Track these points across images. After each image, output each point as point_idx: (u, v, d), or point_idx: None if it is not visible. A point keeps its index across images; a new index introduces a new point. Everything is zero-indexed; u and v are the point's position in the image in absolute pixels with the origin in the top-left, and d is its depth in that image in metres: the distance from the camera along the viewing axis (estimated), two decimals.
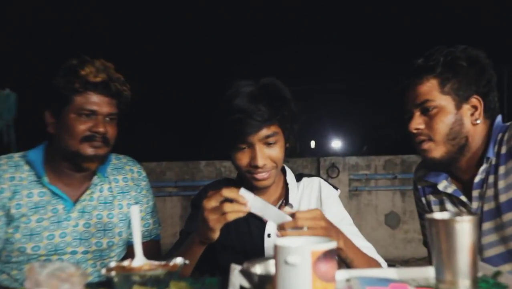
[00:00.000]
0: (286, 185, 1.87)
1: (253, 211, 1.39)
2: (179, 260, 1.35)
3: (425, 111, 1.71)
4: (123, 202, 2.02)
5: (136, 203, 2.04)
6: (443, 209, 1.84)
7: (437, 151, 1.71)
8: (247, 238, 1.79)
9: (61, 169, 1.91)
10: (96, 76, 1.85)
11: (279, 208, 1.77)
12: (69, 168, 1.91)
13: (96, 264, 1.94)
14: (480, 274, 1.22)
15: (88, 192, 1.95)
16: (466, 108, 1.70)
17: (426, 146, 1.72)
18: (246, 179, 1.75)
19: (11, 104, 6.10)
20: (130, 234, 2.02)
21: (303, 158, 6.86)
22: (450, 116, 1.68)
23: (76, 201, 1.93)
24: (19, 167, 1.91)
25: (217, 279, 1.38)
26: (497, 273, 1.22)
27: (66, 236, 1.88)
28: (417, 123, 1.71)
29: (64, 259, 1.87)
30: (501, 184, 1.67)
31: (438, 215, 1.16)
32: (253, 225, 1.79)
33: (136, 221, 1.42)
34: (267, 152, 1.67)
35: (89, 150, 1.85)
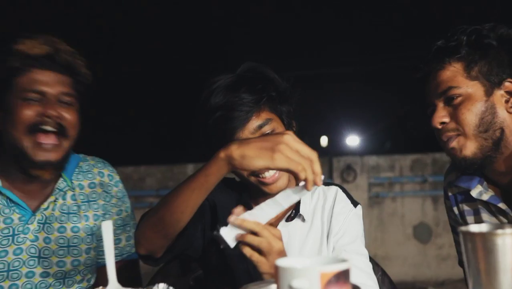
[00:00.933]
0: None
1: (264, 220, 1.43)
2: (161, 287, 1.35)
3: (450, 101, 1.70)
4: (89, 212, 1.99)
5: (104, 214, 2.01)
6: (478, 220, 1.83)
7: (468, 148, 1.69)
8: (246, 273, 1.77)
9: (14, 172, 1.88)
10: (39, 49, 1.81)
11: (288, 220, 1.79)
12: (22, 172, 1.87)
13: None
14: None
15: (50, 198, 1.91)
16: (499, 94, 1.70)
17: (454, 142, 1.71)
18: (254, 187, 1.74)
19: None
20: (100, 252, 2.01)
21: None
22: (479, 104, 1.68)
23: (35, 210, 1.89)
24: None
25: None
26: None
27: (22, 253, 1.84)
28: (441, 116, 1.71)
29: (19, 285, 1.83)
30: None
31: (474, 228, 1.16)
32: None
33: (108, 240, 1.42)
34: None
35: (39, 153, 1.79)
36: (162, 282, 1.39)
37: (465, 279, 1.61)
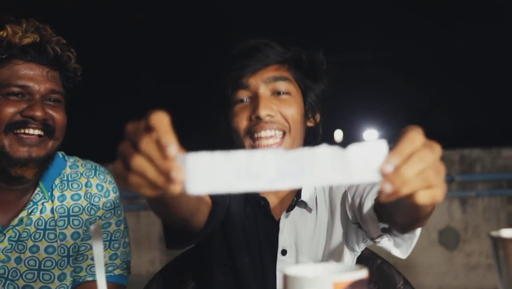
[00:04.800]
0: None
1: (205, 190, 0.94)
2: None
3: None
4: (67, 230, 1.91)
5: (86, 231, 1.94)
6: None
7: None
8: (256, 255, 1.81)
9: None
10: (24, 37, 1.76)
11: (288, 209, 1.79)
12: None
13: None
14: None
15: (22, 214, 1.85)
16: None
17: None
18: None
19: None
20: (76, 275, 1.94)
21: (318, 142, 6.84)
22: None
23: (6, 225, 1.84)
24: None
25: None
26: None
27: None
28: None
29: None
30: None
31: (507, 232, 1.16)
32: (263, 234, 1.81)
33: (98, 246, 1.42)
34: (277, 104, 1.71)
35: (20, 149, 1.75)
36: None
37: None
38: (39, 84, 1.78)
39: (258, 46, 1.72)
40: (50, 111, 1.80)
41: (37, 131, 1.77)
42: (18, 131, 1.76)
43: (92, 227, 1.43)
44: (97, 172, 2.03)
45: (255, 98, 1.72)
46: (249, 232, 1.80)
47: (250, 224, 1.81)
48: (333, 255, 1.78)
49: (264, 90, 1.71)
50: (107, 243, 1.98)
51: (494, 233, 1.16)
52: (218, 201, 1.60)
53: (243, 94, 1.73)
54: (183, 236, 1.60)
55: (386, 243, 1.65)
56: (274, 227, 1.81)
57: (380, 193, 0.91)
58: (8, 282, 1.82)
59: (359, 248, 1.84)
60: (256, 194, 1.82)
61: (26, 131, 1.76)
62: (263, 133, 1.71)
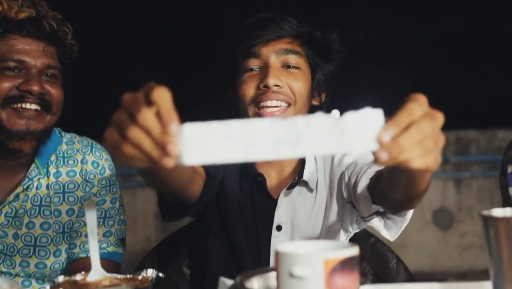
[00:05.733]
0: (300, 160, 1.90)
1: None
2: (150, 272, 1.37)
3: None
4: (62, 206, 1.92)
5: (81, 208, 1.93)
6: None
7: None
8: (251, 229, 1.83)
9: None
10: (20, 12, 1.74)
11: (289, 187, 1.81)
12: None
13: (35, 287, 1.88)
14: None
15: (18, 190, 1.86)
16: None
17: None
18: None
19: None
20: (71, 252, 1.95)
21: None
22: None
23: (2, 201, 1.85)
24: None
25: None
26: None
27: None
28: None
29: None
30: None
31: (498, 212, 1.17)
32: (259, 209, 1.83)
33: (91, 221, 1.44)
34: (286, 76, 1.72)
35: (18, 122, 1.75)
36: (150, 267, 1.40)
37: None
38: (35, 59, 1.78)
39: (274, 17, 1.73)
40: (47, 86, 1.79)
41: (34, 106, 1.77)
42: (15, 106, 1.76)
43: (85, 203, 1.44)
44: (93, 149, 2.02)
45: (265, 68, 1.72)
46: (245, 207, 1.82)
47: (246, 200, 1.84)
48: (329, 234, 1.79)
49: (274, 61, 1.72)
50: (101, 220, 1.96)
51: (485, 212, 1.16)
52: (212, 172, 1.62)
53: (254, 63, 1.74)
54: (177, 208, 1.62)
55: (377, 223, 1.68)
56: (270, 203, 1.83)
57: (376, 159, 0.91)
58: (6, 257, 1.84)
59: (352, 229, 1.86)
60: (253, 170, 1.84)
61: (23, 106, 1.75)
62: (268, 103, 1.72)
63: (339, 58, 1.88)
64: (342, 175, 1.79)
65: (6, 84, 1.73)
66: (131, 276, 1.38)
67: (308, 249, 1.01)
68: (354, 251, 0.97)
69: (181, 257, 2.02)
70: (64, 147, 1.99)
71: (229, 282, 1.25)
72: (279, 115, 1.72)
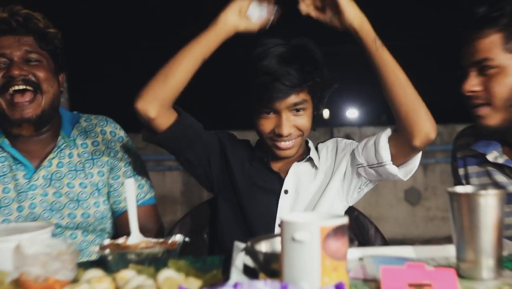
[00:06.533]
0: (307, 147, 1.90)
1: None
2: (178, 237, 1.36)
3: (483, 71, 1.59)
4: (93, 169, 1.94)
5: (111, 169, 1.96)
6: (488, 180, 1.76)
7: (494, 118, 1.61)
8: (261, 191, 1.83)
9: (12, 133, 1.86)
10: None
11: (298, 160, 1.83)
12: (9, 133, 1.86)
13: (79, 239, 1.90)
14: (505, 253, 1.22)
15: (50, 156, 1.88)
16: None
17: (482, 111, 1.62)
18: (268, 147, 1.78)
19: None
20: (114, 203, 1.98)
21: (316, 128, 6.84)
22: None
23: (38, 167, 1.86)
24: None
25: (219, 258, 1.40)
26: None
27: (36, 207, 1.83)
28: (473, 84, 1.61)
29: None
30: None
31: (460, 188, 1.16)
32: (271, 179, 1.83)
33: (131, 196, 1.43)
34: (294, 120, 1.69)
35: (13, 111, 1.78)
36: (179, 233, 1.40)
37: None
38: (14, 50, 1.80)
39: (279, 76, 1.63)
40: (30, 69, 1.80)
41: (21, 87, 1.78)
42: (8, 92, 1.78)
43: (126, 181, 1.45)
44: (109, 122, 2.04)
45: (278, 115, 1.69)
46: (253, 175, 1.84)
47: (255, 170, 1.85)
48: (326, 202, 1.78)
49: (286, 112, 1.67)
50: (133, 176, 1.99)
51: (450, 189, 1.15)
52: (181, 112, 1.73)
53: (268, 110, 1.69)
54: (152, 133, 1.71)
55: (392, 167, 1.67)
56: (276, 176, 1.83)
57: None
58: (54, 212, 1.85)
59: (352, 198, 1.83)
60: (260, 153, 1.85)
61: (14, 88, 1.77)
62: (283, 144, 1.72)
63: (333, 88, 1.84)
64: (353, 154, 1.79)
65: None
66: (163, 240, 1.38)
67: (307, 219, 1.01)
68: (345, 220, 0.96)
69: (202, 226, 2.02)
70: (84, 123, 2.00)
71: (242, 245, 1.25)
72: (292, 146, 1.73)
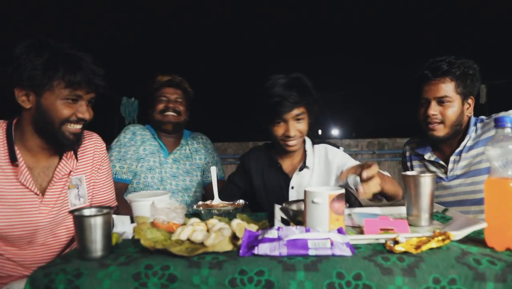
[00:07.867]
0: (305, 151, 1.78)
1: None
2: (241, 201, 1.36)
3: (441, 102, 1.56)
4: (197, 156, 2.02)
5: (205, 158, 2.04)
6: (427, 169, 1.73)
7: (443, 132, 1.58)
8: (276, 188, 1.74)
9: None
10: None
11: (300, 170, 1.71)
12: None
13: (184, 199, 1.91)
14: (434, 210, 1.20)
15: (178, 147, 1.99)
16: (466, 105, 1.59)
17: (436, 127, 1.58)
18: (279, 146, 1.67)
19: (135, 107, 6.59)
20: (206, 177, 2.04)
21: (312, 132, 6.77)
22: (457, 109, 1.56)
23: (170, 153, 1.96)
24: (144, 129, 1.96)
25: (265, 214, 1.39)
26: (445, 210, 1.20)
27: (167, 174, 1.89)
28: (434, 110, 1.57)
29: (167, 188, 1.87)
30: (463, 161, 1.60)
31: (409, 173, 1.14)
32: (281, 180, 1.73)
33: (214, 175, 1.44)
34: (297, 126, 1.61)
35: (165, 122, 1.94)
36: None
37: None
38: (171, 95, 1.95)
39: (285, 97, 1.55)
40: (176, 105, 1.94)
41: (174, 113, 1.93)
42: (165, 113, 1.92)
43: (211, 168, 1.44)
44: (202, 134, 2.12)
45: (286, 123, 1.60)
46: (269, 177, 1.74)
47: (270, 173, 1.74)
48: None
49: (291, 121, 1.59)
50: (215, 162, 2.07)
51: (403, 173, 1.13)
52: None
53: (279, 120, 1.59)
54: None
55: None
56: (286, 177, 1.72)
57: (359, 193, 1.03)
58: (174, 178, 1.90)
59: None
60: (275, 161, 1.74)
61: (169, 113, 1.91)
62: (290, 143, 1.62)
63: (320, 104, 1.75)
64: (336, 167, 1.67)
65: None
66: (232, 202, 1.38)
67: (321, 190, 1.00)
68: (343, 190, 0.95)
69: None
70: (192, 134, 2.10)
71: (279, 206, 1.24)
72: (296, 143, 1.62)
